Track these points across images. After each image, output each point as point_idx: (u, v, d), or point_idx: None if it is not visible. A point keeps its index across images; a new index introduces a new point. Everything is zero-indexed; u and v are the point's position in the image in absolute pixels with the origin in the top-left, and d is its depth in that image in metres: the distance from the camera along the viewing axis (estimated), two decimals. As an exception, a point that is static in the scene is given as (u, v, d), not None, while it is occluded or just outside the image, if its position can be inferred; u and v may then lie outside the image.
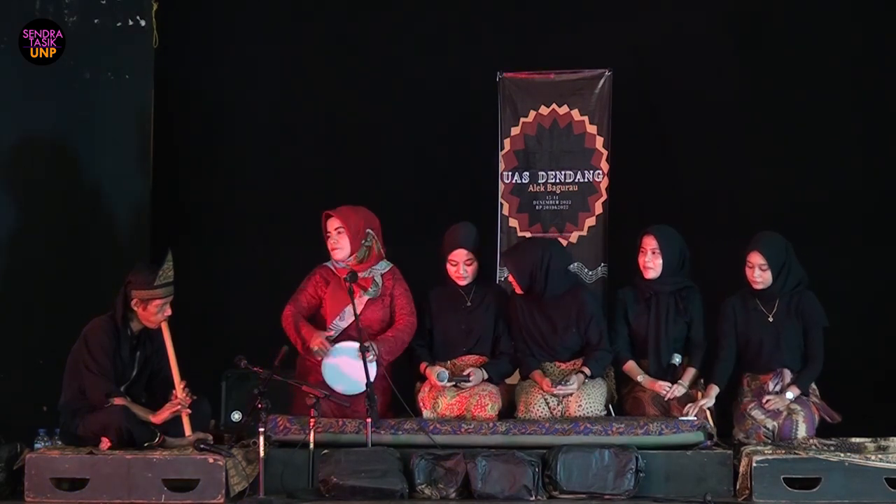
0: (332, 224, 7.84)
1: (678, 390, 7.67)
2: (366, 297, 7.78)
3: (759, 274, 7.71)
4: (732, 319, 7.79)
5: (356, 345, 7.55)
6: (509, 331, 7.89)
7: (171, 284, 7.49)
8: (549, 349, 7.86)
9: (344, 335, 7.73)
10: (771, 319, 7.74)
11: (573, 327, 7.84)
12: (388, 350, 7.69)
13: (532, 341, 7.85)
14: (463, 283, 7.89)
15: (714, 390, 7.66)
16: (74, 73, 8.83)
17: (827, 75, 9.15)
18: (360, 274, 7.78)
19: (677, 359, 7.81)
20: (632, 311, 7.91)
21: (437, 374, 7.71)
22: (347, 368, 7.62)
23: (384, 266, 7.90)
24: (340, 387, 7.60)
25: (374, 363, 7.58)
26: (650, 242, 7.85)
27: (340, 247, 7.80)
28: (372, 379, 7.43)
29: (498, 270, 8.72)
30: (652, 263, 7.84)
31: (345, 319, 7.74)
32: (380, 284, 7.82)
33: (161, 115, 9.02)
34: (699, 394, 7.70)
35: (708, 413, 7.58)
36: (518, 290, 7.85)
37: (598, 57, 8.93)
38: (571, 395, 7.66)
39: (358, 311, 7.63)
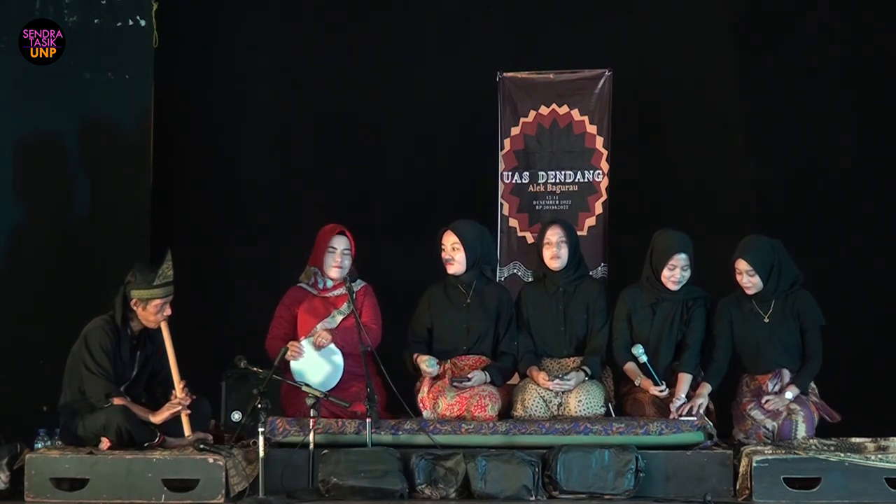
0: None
1: (684, 404, 7.59)
2: (339, 316, 7.84)
3: (748, 279, 7.67)
4: (728, 319, 7.76)
5: (309, 339, 7.72)
6: (516, 327, 7.89)
7: (171, 284, 7.49)
8: (556, 342, 7.85)
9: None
10: (766, 320, 7.71)
11: (584, 314, 7.85)
12: (342, 339, 7.74)
13: (539, 335, 7.86)
14: (451, 270, 7.86)
15: (706, 388, 7.63)
16: (74, 73, 8.84)
17: (826, 75, 9.15)
18: (336, 292, 7.88)
19: (640, 349, 7.73)
20: (636, 314, 7.86)
21: (426, 361, 7.70)
22: (311, 364, 7.70)
23: (359, 283, 7.96)
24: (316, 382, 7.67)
25: (337, 348, 7.71)
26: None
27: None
28: (341, 370, 7.63)
29: (499, 270, 8.72)
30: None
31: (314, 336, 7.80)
32: (353, 301, 7.84)
33: (161, 115, 9.02)
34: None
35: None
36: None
37: (598, 57, 8.93)
38: (569, 391, 7.66)
39: (336, 325, 7.79)
